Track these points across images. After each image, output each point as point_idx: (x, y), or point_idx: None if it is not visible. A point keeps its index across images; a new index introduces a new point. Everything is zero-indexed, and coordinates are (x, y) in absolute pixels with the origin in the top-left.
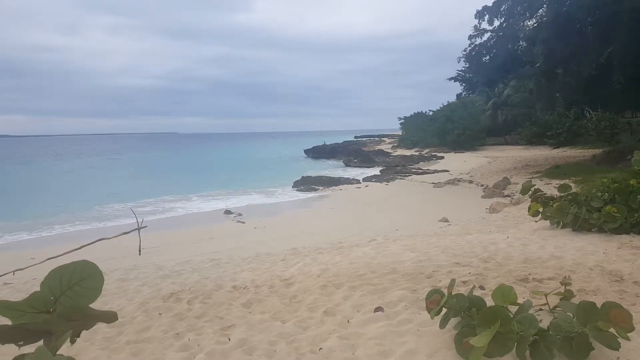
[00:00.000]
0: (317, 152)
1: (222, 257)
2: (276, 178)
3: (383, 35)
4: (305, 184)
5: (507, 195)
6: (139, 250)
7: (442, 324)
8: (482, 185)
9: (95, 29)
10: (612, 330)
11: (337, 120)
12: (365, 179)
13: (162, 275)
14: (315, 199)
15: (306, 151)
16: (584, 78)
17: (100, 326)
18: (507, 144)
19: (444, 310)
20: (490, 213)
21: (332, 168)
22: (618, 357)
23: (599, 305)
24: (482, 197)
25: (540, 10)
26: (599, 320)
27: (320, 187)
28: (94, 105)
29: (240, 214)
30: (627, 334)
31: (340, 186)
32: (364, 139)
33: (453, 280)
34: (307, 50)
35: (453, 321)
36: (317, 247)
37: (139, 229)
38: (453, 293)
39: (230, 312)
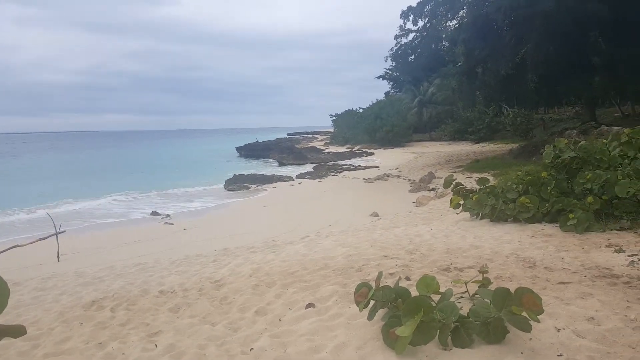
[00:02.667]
0: (250, 150)
1: (148, 260)
2: (207, 176)
3: (314, 33)
4: (238, 182)
5: (432, 189)
6: (58, 257)
7: (370, 316)
8: (409, 180)
9: (2, 20)
10: (524, 313)
11: (270, 117)
12: (298, 176)
13: (83, 283)
14: (248, 197)
15: (238, 149)
16: (501, 77)
17: (14, 340)
18: (432, 140)
19: (372, 302)
20: (417, 206)
21: (265, 166)
22: (530, 338)
23: (513, 291)
24: (410, 191)
25: (461, 11)
26: (513, 305)
27: (253, 185)
28: (3, 102)
29: (168, 215)
30: (538, 317)
31: (274, 184)
32: (297, 136)
33: (380, 273)
34: (237, 45)
35: (381, 312)
36: (249, 247)
37: (56, 234)
38: (380, 285)
39: (157, 317)
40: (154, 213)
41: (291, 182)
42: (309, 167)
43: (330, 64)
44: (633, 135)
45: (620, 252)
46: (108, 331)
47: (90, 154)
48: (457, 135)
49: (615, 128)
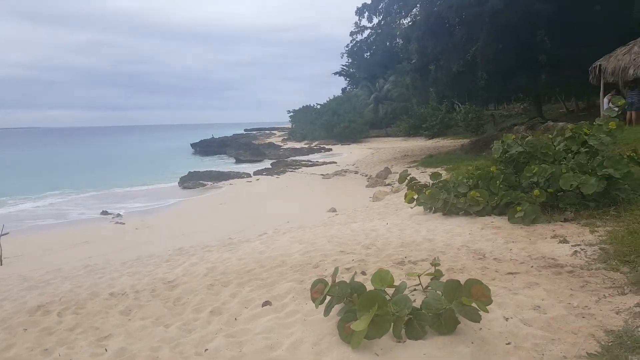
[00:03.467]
0: (205, 146)
1: (98, 262)
2: (160, 174)
3: (268, 27)
4: (193, 179)
5: (389, 184)
6: (0, 260)
7: (326, 312)
8: (366, 175)
9: None
10: (474, 304)
11: (226, 112)
12: (256, 173)
13: (27, 287)
14: (203, 194)
15: (193, 145)
16: (453, 74)
17: None
18: (388, 135)
19: (328, 298)
20: (374, 201)
21: (221, 162)
22: (480, 328)
23: (463, 282)
24: (367, 186)
25: (414, 9)
26: (463, 297)
27: (209, 182)
28: None
29: (119, 214)
30: (486, 307)
31: (230, 180)
32: (255, 132)
33: (336, 269)
34: (190, 38)
35: (337, 308)
36: (205, 245)
37: None
38: (337, 281)
39: (107, 321)
40: (104, 212)
41: (248, 179)
42: (266, 164)
43: (286, 58)
44: (576, 130)
45: (564, 242)
46: (55, 337)
47: (33, 152)
48: (412, 131)
49: (560, 123)
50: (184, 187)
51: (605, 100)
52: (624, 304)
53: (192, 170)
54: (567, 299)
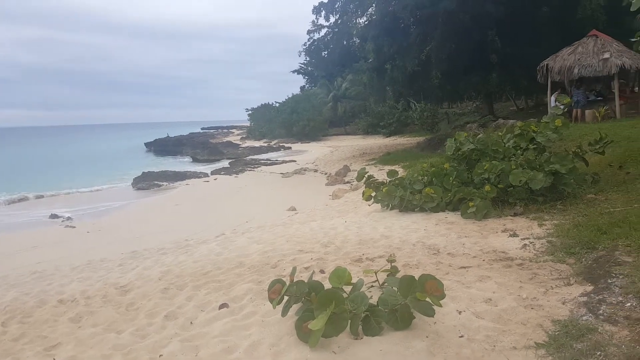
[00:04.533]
0: (160, 146)
1: (47, 268)
2: (113, 175)
3: (226, 24)
4: (147, 179)
5: (348, 182)
6: None
7: (284, 312)
8: (326, 174)
9: None
10: (428, 299)
11: (182, 111)
12: (213, 172)
13: None
14: (158, 195)
15: (147, 144)
16: (408, 73)
17: None
18: (347, 134)
19: (286, 298)
20: (333, 199)
21: (177, 162)
22: (435, 322)
23: (418, 278)
24: (326, 184)
25: (370, 8)
26: (417, 292)
27: (165, 183)
28: None
29: (69, 217)
30: (440, 301)
31: (187, 181)
32: (212, 130)
33: (294, 269)
34: (147, 36)
35: (295, 307)
36: (160, 248)
37: None
38: (295, 280)
39: (56, 329)
40: (53, 215)
41: (206, 179)
42: (224, 163)
43: (244, 56)
44: (524, 127)
45: (514, 236)
46: None
47: None
48: (370, 129)
49: (511, 121)
50: (138, 188)
51: (552, 98)
52: (569, 295)
53: (146, 171)
54: (517, 291)
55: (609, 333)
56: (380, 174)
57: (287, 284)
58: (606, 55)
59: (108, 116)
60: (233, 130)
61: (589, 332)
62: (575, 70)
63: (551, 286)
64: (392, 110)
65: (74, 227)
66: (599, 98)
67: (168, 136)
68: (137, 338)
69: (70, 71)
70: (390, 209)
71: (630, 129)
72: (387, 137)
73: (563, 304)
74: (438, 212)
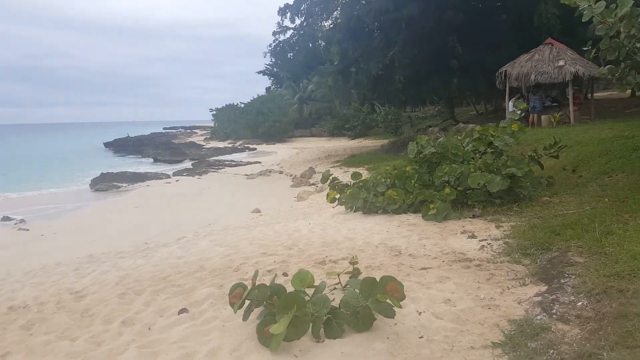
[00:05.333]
0: (120, 146)
1: None
2: (70, 176)
3: (190, 23)
4: (106, 181)
5: (313, 184)
6: None
7: (245, 316)
8: (291, 175)
9: None
10: (388, 300)
11: (143, 110)
12: (175, 173)
13: None
14: (118, 197)
15: (107, 144)
16: (372, 77)
17: None
18: (312, 135)
19: (247, 302)
20: (298, 201)
21: (137, 163)
22: (395, 323)
23: (379, 279)
24: (291, 186)
25: (335, 12)
26: (378, 294)
27: (124, 184)
28: None
29: (22, 220)
30: (400, 303)
31: (148, 182)
32: (174, 130)
33: (256, 272)
34: (105, 32)
35: (257, 311)
36: (118, 252)
37: None
38: (257, 284)
39: (5, 337)
40: (5, 218)
41: (167, 180)
42: (187, 164)
43: (210, 55)
44: (483, 132)
45: (473, 237)
46: None
47: None
48: (336, 131)
49: (470, 125)
50: (96, 190)
51: (510, 103)
52: (525, 294)
53: (105, 172)
54: (475, 291)
55: (562, 332)
56: (345, 176)
57: (249, 287)
58: (561, 63)
59: (64, 115)
60: (196, 131)
61: (542, 331)
62: (532, 77)
63: (507, 286)
64: (357, 112)
65: (28, 230)
66: (554, 104)
67: (128, 136)
68: (92, 345)
69: (20, 68)
70: (354, 211)
71: (583, 134)
72: (352, 139)
73: (519, 303)
74: (400, 213)
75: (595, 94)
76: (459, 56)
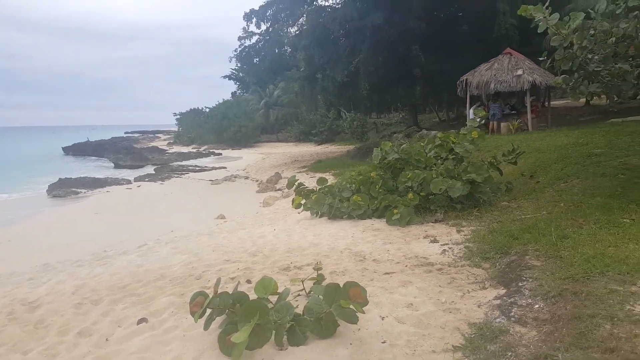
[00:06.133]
0: (80, 150)
1: None
2: (26, 181)
3: (155, 25)
4: (64, 186)
5: (279, 189)
6: None
7: (206, 325)
8: (257, 181)
9: None
10: (351, 306)
11: (105, 114)
12: (137, 179)
13: None
14: (76, 203)
15: (65, 149)
16: (338, 83)
17: None
18: (279, 141)
19: (209, 311)
20: (264, 207)
21: (97, 168)
22: (359, 329)
23: (342, 285)
24: (257, 191)
25: (301, 19)
26: (341, 299)
27: (83, 190)
28: None
29: None
30: (363, 308)
31: (108, 187)
32: (137, 135)
33: (218, 280)
34: (65, 34)
35: (219, 320)
36: (75, 260)
37: None
38: (219, 292)
39: None
40: None
41: (128, 186)
42: (149, 169)
43: (175, 59)
44: (444, 138)
45: (435, 242)
46: None
47: None
48: (302, 137)
49: (433, 132)
50: (54, 196)
51: (471, 111)
52: (484, 298)
53: (62, 177)
54: (437, 295)
55: (519, 334)
56: (311, 181)
57: (211, 296)
58: (519, 72)
59: (22, 118)
60: (160, 135)
61: (501, 334)
62: (492, 85)
63: (468, 290)
64: (323, 118)
65: None
66: (513, 112)
67: (88, 140)
68: (46, 358)
69: None
70: (320, 217)
71: (540, 141)
72: (319, 145)
73: (478, 307)
74: (365, 219)
75: (552, 102)
76: (422, 65)
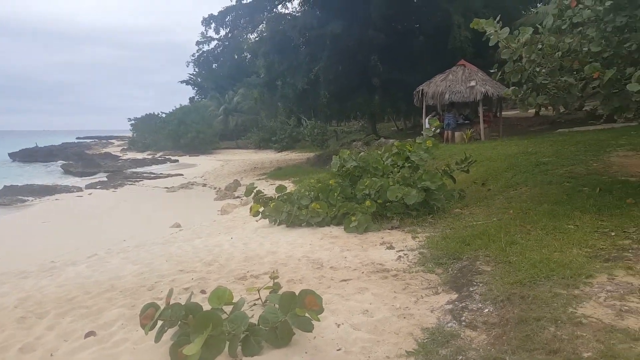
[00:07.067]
0: (27, 156)
1: None
2: None
3: (113, 28)
4: (9, 194)
5: (238, 197)
6: None
7: (157, 338)
8: (215, 188)
9: None
10: (307, 314)
11: (58, 118)
12: (88, 186)
13: None
14: (22, 212)
15: (12, 155)
16: (298, 90)
17: None
18: (239, 147)
19: (160, 322)
20: (222, 215)
21: (47, 175)
22: (315, 337)
23: (298, 293)
24: (215, 199)
25: (261, 25)
26: (297, 308)
27: (30, 198)
28: None
29: None
30: (318, 316)
31: (57, 195)
32: (89, 140)
33: (171, 290)
34: (18, 35)
35: (170, 332)
36: (21, 271)
37: None
38: (172, 303)
39: None
40: None
41: (79, 194)
42: (102, 176)
43: (132, 63)
44: (401, 147)
45: (391, 248)
46: None
47: None
48: (262, 144)
49: (391, 140)
50: None
51: (427, 120)
52: (437, 303)
53: (8, 184)
54: (391, 301)
55: (470, 338)
56: (270, 188)
57: (162, 307)
58: (472, 83)
59: None
60: (113, 141)
61: (452, 338)
62: (447, 96)
63: (421, 295)
64: (283, 125)
65: None
66: (467, 121)
67: (37, 146)
68: None
69: None
70: (278, 224)
71: (492, 150)
72: (279, 152)
73: (431, 312)
74: (323, 226)
75: (503, 113)
76: (381, 74)
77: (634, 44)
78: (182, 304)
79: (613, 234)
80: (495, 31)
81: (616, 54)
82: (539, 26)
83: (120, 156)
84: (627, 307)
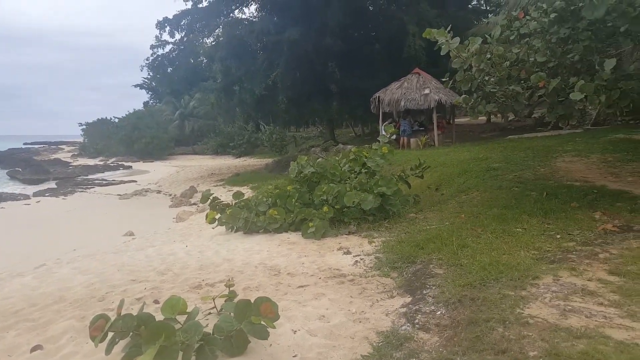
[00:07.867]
0: None
1: None
2: None
3: (62, 30)
4: None
5: (194, 204)
6: None
7: (108, 350)
8: (170, 195)
9: None
10: (262, 322)
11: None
12: (36, 194)
13: None
14: None
15: None
16: (256, 96)
17: None
18: (195, 153)
19: (111, 334)
20: (177, 222)
21: None
22: (270, 344)
23: (254, 301)
24: (170, 206)
25: (217, 30)
26: (252, 315)
27: None
28: None
29: None
30: (275, 323)
31: (2, 203)
32: (37, 146)
33: (122, 301)
34: None
35: (122, 344)
36: None
37: None
38: (123, 313)
39: None
40: None
41: (26, 201)
42: (51, 183)
43: (83, 66)
44: (358, 153)
45: (347, 253)
46: None
47: None
48: (220, 149)
49: (349, 146)
50: None
51: (383, 127)
52: (392, 306)
53: None
54: (347, 305)
55: (423, 340)
56: (228, 195)
57: (113, 318)
58: (427, 91)
59: None
60: (63, 147)
61: (406, 341)
62: (402, 103)
63: (377, 299)
64: (241, 131)
65: None
66: (422, 128)
67: None
68: None
69: None
70: (235, 231)
71: (445, 156)
72: (237, 157)
73: (386, 315)
74: (281, 232)
75: (456, 120)
76: (338, 81)
77: (577, 55)
78: (134, 314)
79: (558, 236)
80: (447, 41)
81: (560, 64)
82: (487, 36)
83: (70, 162)
84: (570, 307)
